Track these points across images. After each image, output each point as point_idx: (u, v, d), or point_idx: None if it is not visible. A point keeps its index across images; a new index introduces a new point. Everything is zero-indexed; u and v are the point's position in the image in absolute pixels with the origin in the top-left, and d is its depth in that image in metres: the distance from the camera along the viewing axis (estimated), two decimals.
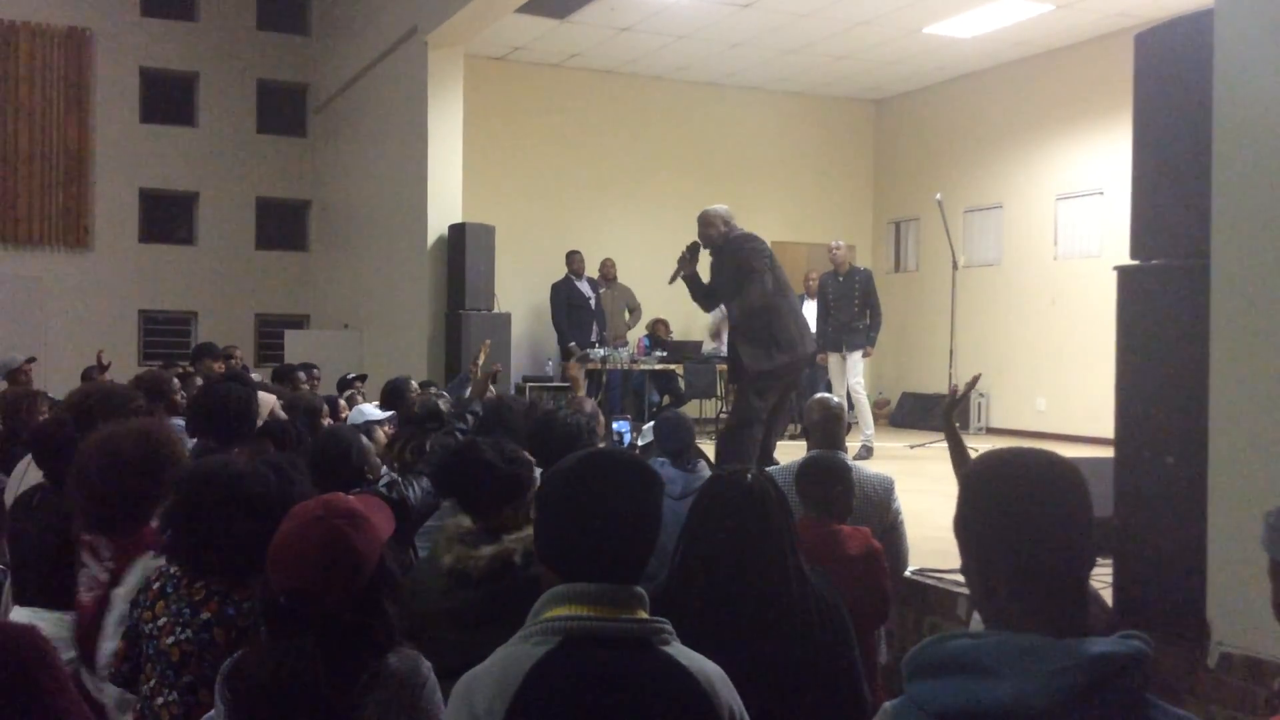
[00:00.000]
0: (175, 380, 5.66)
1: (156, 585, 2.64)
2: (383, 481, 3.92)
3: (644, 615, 1.94)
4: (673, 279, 7.24)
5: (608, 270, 12.79)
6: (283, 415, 5.06)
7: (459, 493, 3.04)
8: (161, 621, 2.54)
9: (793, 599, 2.67)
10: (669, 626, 1.95)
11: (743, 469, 2.86)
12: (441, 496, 3.33)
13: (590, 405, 5.25)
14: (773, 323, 6.77)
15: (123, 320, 14.70)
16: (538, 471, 3.15)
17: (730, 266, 6.90)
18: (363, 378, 8.94)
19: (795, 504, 3.97)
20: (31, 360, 8.43)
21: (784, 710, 2.61)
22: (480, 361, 8.72)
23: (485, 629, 2.63)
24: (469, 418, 4.32)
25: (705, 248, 7.06)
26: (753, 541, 2.68)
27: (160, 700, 2.50)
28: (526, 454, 3.18)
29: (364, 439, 3.99)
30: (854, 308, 10.38)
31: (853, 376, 10.23)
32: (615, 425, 5.11)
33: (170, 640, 2.51)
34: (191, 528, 2.59)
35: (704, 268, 7.21)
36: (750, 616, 2.62)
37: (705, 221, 7.04)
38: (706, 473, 4.71)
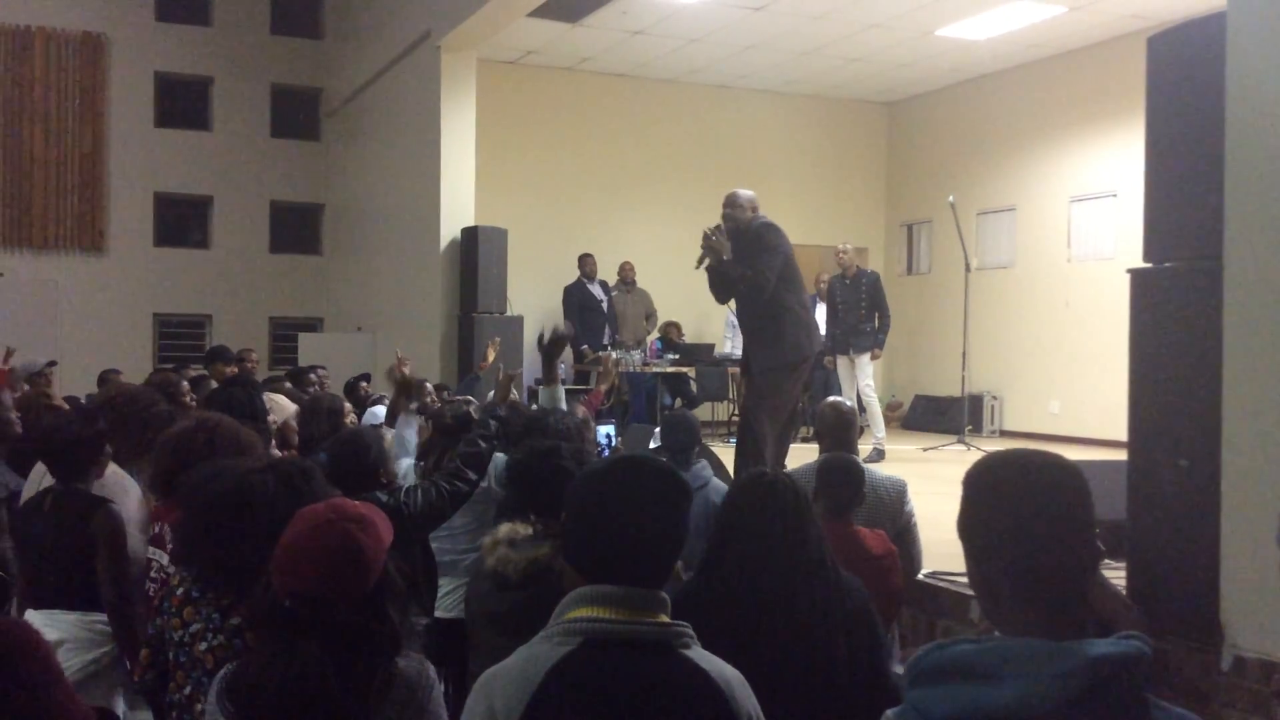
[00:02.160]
0: (185, 384, 5.67)
1: (180, 591, 2.61)
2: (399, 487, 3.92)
3: (665, 619, 1.94)
4: (700, 263, 6.77)
5: (627, 274, 12.80)
6: (291, 423, 5.08)
7: (534, 494, 3.08)
8: (194, 628, 2.53)
9: (824, 596, 2.70)
10: (689, 630, 1.96)
11: (768, 470, 2.90)
12: (515, 497, 3.35)
13: (581, 412, 5.26)
14: (779, 319, 6.55)
15: (137, 323, 14.77)
16: None
17: (747, 252, 6.57)
18: (366, 376, 8.97)
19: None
20: (52, 364, 8.47)
21: (816, 705, 2.63)
22: (489, 360, 8.73)
23: (525, 635, 2.65)
24: (492, 424, 4.29)
25: (729, 228, 6.64)
26: (783, 540, 2.71)
27: (199, 707, 2.48)
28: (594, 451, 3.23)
29: (384, 442, 3.99)
30: (860, 310, 10.37)
31: (862, 379, 10.20)
32: (599, 430, 5.11)
33: (203, 646, 2.50)
34: (201, 541, 2.58)
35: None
36: (783, 613, 2.64)
37: (734, 203, 6.66)
38: (707, 473, 4.76)
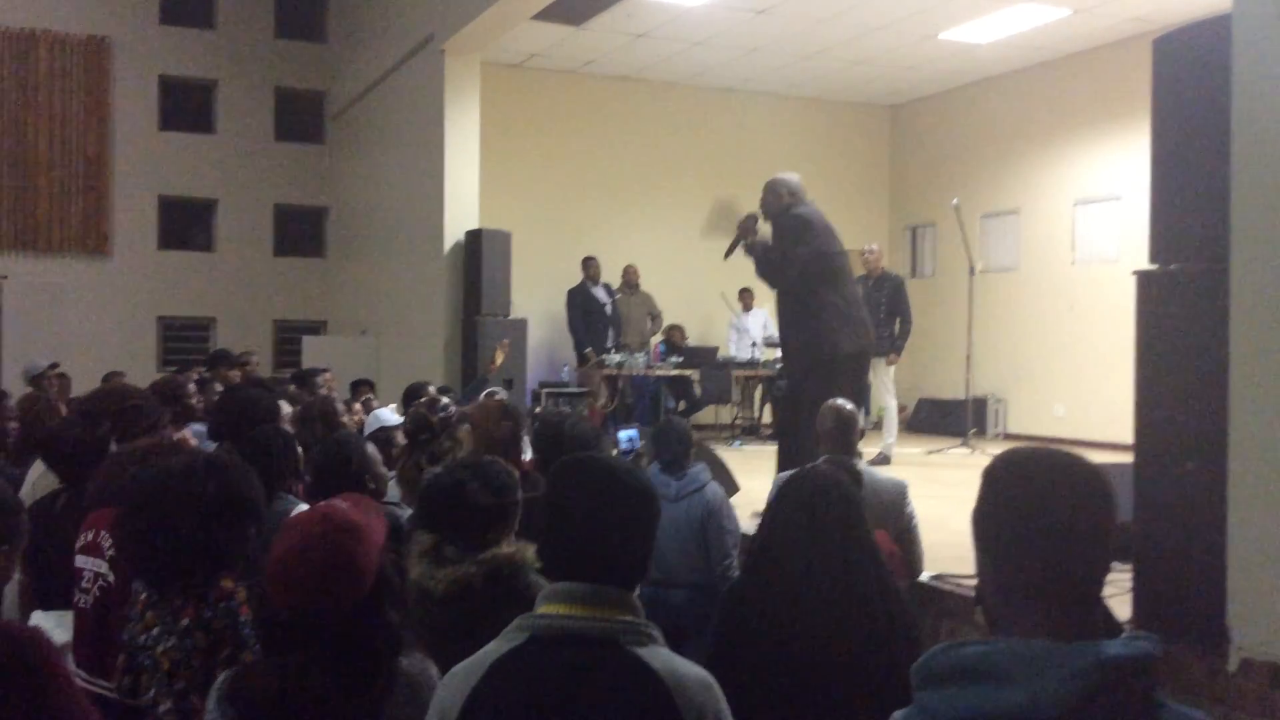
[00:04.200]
0: (191, 386, 5.67)
1: (144, 596, 2.65)
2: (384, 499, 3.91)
3: (626, 616, 1.95)
4: (729, 252, 6.82)
5: (630, 276, 12.80)
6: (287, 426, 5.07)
7: (442, 528, 2.97)
8: (155, 631, 2.56)
9: (861, 590, 2.70)
10: (646, 627, 1.96)
11: (816, 467, 2.91)
12: (424, 530, 3.26)
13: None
14: (816, 315, 6.40)
15: (142, 326, 14.79)
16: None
17: (779, 240, 6.53)
18: (369, 383, 8.95)
19: None
20: (54, 366, 8.48)
21: (854, 695, 2.63)
22: (498, 363, 8.73)
23: (457, 641, 2.67)
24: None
25: (764, 216, 6.66)
26: (831, 540, 2.72)
27: (163, 708, 2.53)
28: (513, 473, 3.12)
29: (370, 446, 3.96)
30: (880, 314, 10.20)
31: (880, 384, 10.13)
32: (621, 434, 5.10)
33: (160, 649, 2.53)
34: (141, 541, 2.61)
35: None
36: (820, 606, 2.65)
37: (768, 188, 6.64)
38: (704, 476, 4.78)
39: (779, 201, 6.57)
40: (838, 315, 6.41)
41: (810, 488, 2.83)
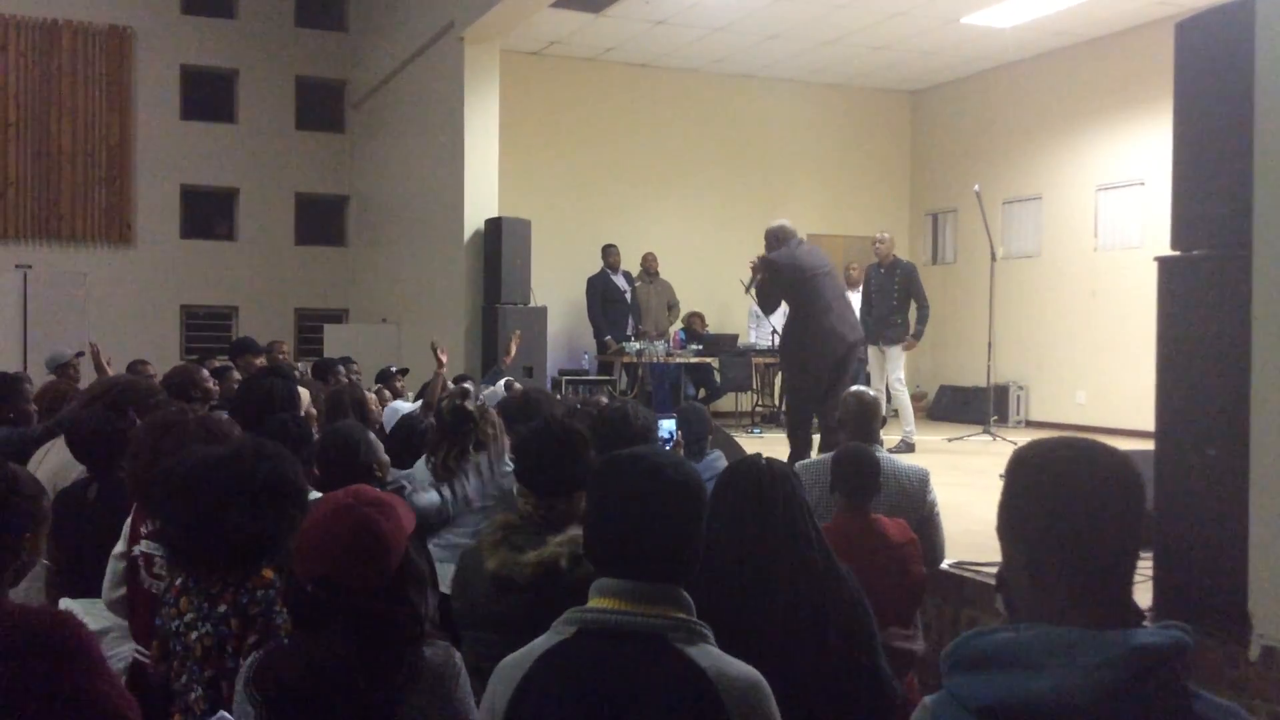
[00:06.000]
0: (205, 372, 5.67)
1: (179, 582, 2.64)
2: (391, 486, 3.90)
3: (675, 613, 1.94)
4: (747, 288, 8.13)
5: (650, 264, 12.79)
6: (312, 411, 5.08)
7: (542, 465, 2.92)
8: (188, 617, 2.55)
9: (808, 582, 2.65)
10: (698, 626, 1.94)
11: (754, 457, 2.86)
12: (519, 466, 3.25)
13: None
14: (798, 334, 7.73)
15: (165, 315, 14.88)
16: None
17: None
18: (404, 371, 8.98)
19: (826, 497, 3.99)
20: (80, 355, 8.52)
21: (799, 696, 2.59)
22: (513, 354, 8.78)
23: (532, 632, 2.63)
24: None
25: None
26: (757, 523, 2.67)
27: (192, 695, 2.53)
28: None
29: (371, 435, 3.95)
30: (893, 301, 10.24)
31: (893, 372, 10.12)
32: (661, 423, 5.07)
33: (194, 636, 2.53)
34: (190, 528, 2.59)
35: None
36: (760, 598, 2.61)
37: (765, 237, 8.03)
38: (720, 463, 4.76)
39: (768, 247, 7.94)
40: (804, 326, 7.69)
41: (740, 474, 2.77)
